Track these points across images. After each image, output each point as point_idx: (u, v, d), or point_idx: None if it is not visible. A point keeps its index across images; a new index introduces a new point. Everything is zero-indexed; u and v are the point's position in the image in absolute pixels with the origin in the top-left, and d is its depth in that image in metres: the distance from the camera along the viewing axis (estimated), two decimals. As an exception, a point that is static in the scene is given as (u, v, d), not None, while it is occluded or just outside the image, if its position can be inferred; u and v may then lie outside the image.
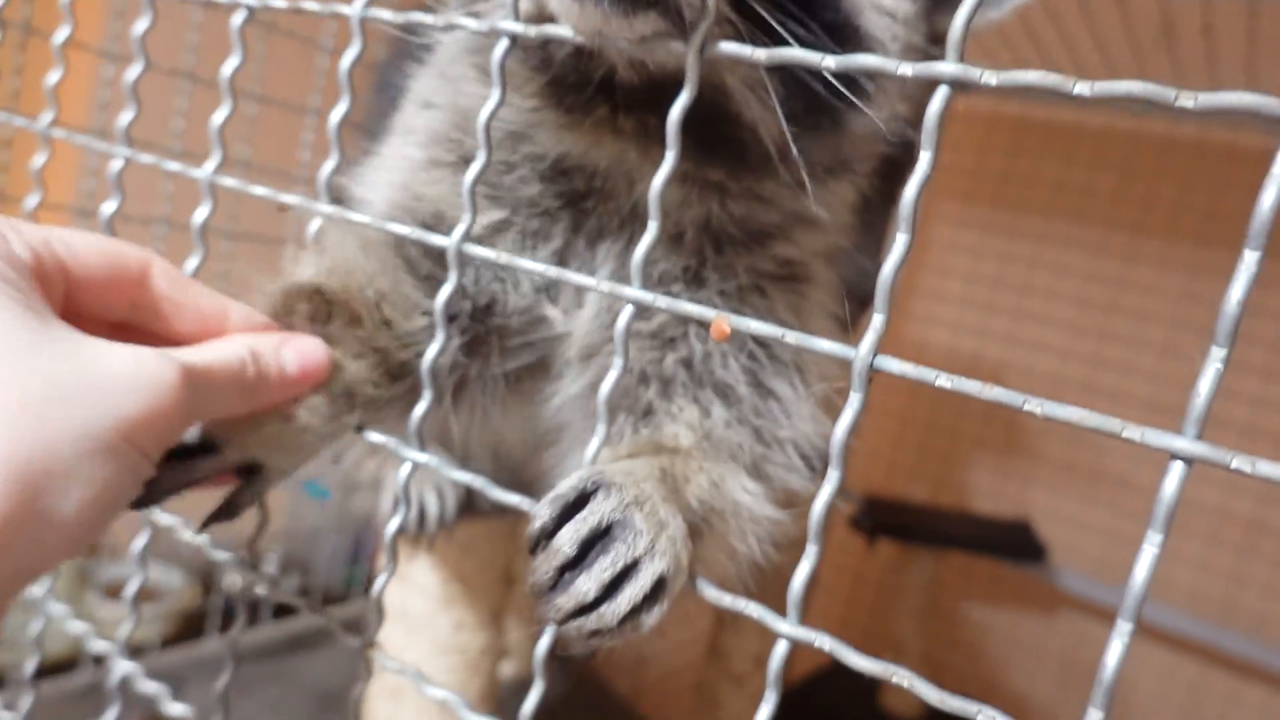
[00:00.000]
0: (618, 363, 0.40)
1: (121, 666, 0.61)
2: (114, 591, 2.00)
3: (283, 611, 1.74)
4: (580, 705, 1.75)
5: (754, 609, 0.36)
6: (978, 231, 3.05)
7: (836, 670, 2.93)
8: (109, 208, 0.63)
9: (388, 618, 1.09)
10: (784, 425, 0.65)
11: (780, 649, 0.35)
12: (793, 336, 0.36)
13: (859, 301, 2.01)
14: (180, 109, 1.29)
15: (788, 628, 0.35)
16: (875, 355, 0.34)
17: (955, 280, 3.09)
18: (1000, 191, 3.03)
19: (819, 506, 0.35)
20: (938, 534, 2.69)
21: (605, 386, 0.40)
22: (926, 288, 3.16)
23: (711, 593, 0.37)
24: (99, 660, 1.54)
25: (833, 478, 0.34)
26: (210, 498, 0.51)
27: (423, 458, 0.47)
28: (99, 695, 1.29)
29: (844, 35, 0.52)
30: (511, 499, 0.43)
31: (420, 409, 0.47)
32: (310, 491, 2.18)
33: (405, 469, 0.47)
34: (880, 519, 2.67)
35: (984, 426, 3.03)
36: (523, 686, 1.53)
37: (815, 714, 2.59)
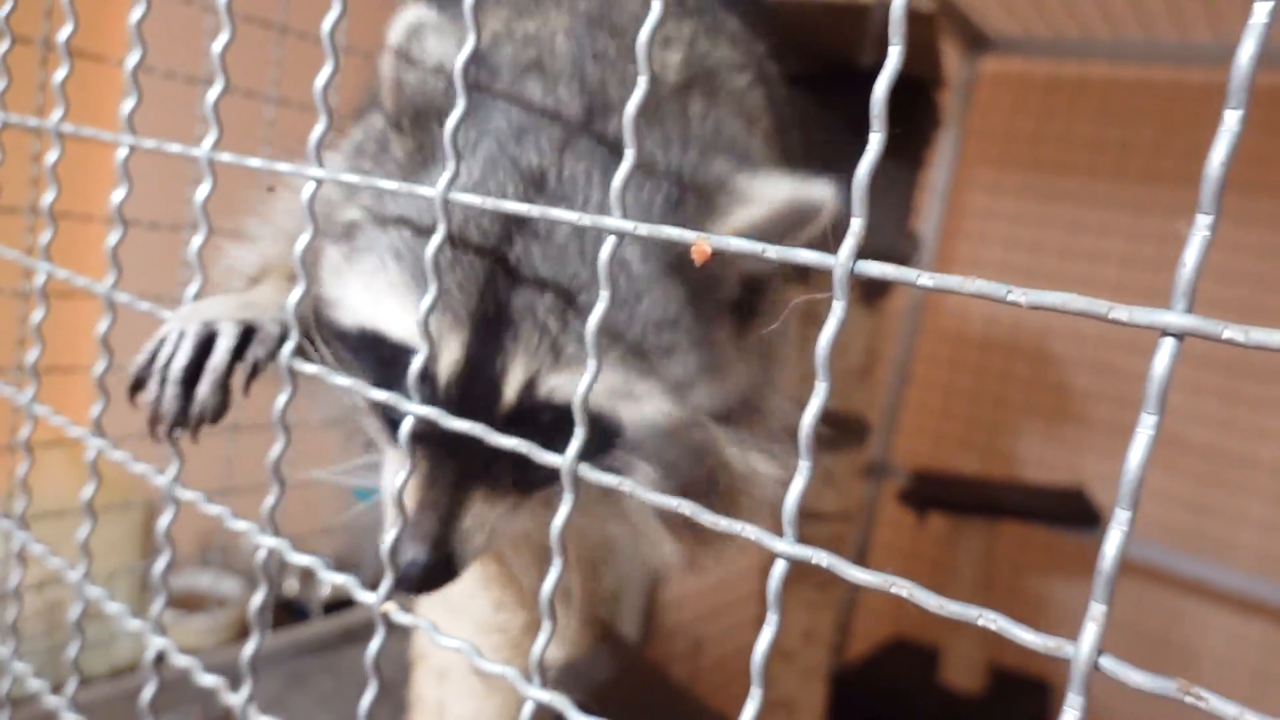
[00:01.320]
0: (604, 295, 0.40)
1: (156, 643, 0.62)
2: (175, 600, 2.05)
3: (333, 607, 1.77)
4: (638, 691, 1.75)
5: (751, 530, 0.35)
6: (1013, 197, 2.99)
7: (896, 648, 2.90)
8: (118, 196, 0.64)
9: (430, 601, 1.10)
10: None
11: (779, 568, 0.35)
12: (774, 251, 0.35)
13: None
14: (200, 115, 1.32)
15: (784, 546, 0.34)
16: (855, 261, 0.33)
17: (994, 247, 3.03)
18: (1035, 154, 2.96)
19: (807, 421, 0.34)
20: (990, 505, 2.64)
21: (593, 320, 0.40)
22: (964, 256, 3.10)
23: (708, 516, 0.36)
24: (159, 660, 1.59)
25: (820, 390, 0.33)
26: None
27: (423, 410, 0.47)
28: (161, 692, 1.33)
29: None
30: (508, 442, 0.43)
31: (418, 362, 0.47)
32: (357, 495, 2.21)
33: (406, 424, 0.47)
34: (930, 493, 2.63)
35: (1031, 393, 2.97)
36: (571, 668, 1.53)
37: (876, 691, 2.57)
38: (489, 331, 0.59)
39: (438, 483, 0.60)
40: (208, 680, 0.58)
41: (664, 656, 2.47)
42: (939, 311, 3.09)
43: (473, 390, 0.60)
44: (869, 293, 1.72)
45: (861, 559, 2.85)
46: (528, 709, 0.43)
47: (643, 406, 0.62)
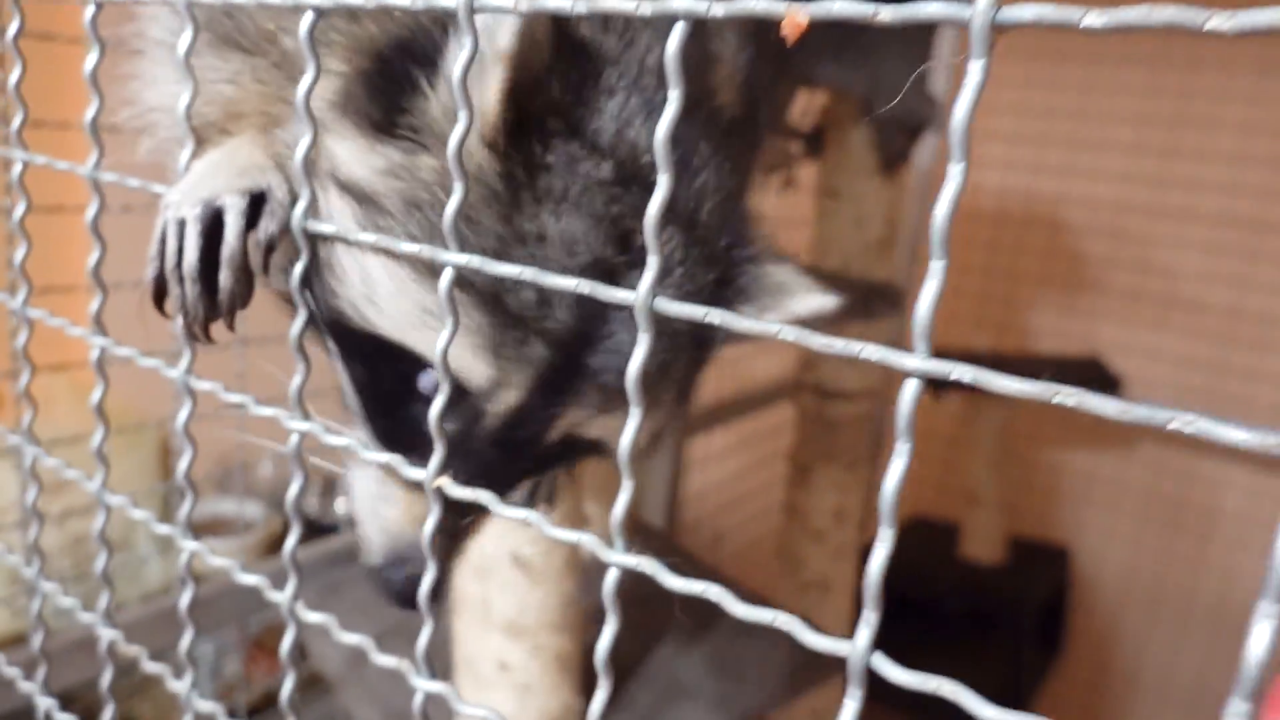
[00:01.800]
0: (673, 96, 0.34)
1: (189, 547, 0.58)
2: (199, 528, 2.04)
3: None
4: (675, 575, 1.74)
5: (873, 351, 0.30)
6: (1024, 61, 2.86)
7: (916, 526, 2.92)
8: (90, 61, 0.57)
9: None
10: None
11: (911, 388, 0.30)
12: (888, 13, 0.29)
13: (909, 133, 1.86)
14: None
15: (917, 362, 0.29)
16: (999, 7, 0.27)
17: (1004, 116, 2.92)
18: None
19: (941, 214, 0.28)
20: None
21: (664, 123, 0.34)
22: (973, 128, 2.98)
23: (837, 344, 0.31)
24: (192, 580, 1.58)
25: (956, 173, 0.28)
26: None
27: (462, 259, 0.41)
28: (197, 614, 1.32)
29: None
30: (568, 284, 0.38)
31: (453, 203, 0.41)
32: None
33: (446, 276, 0.42)
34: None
35: (1045, 264, 2.91)
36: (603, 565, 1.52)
37: (899, 568, 2.57)
38: (554, 385, 0.60)
39: (454, 507, 0.61)
40: (249, 579, 0.55)
41: (692, 545, 2.48)
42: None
43: (518, 428, 0.61)
44: (888, 161, 1.64)
45: (878, 440, 2.85)
46: (611, 576, 0.39)
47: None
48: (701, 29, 0.64)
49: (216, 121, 0.64)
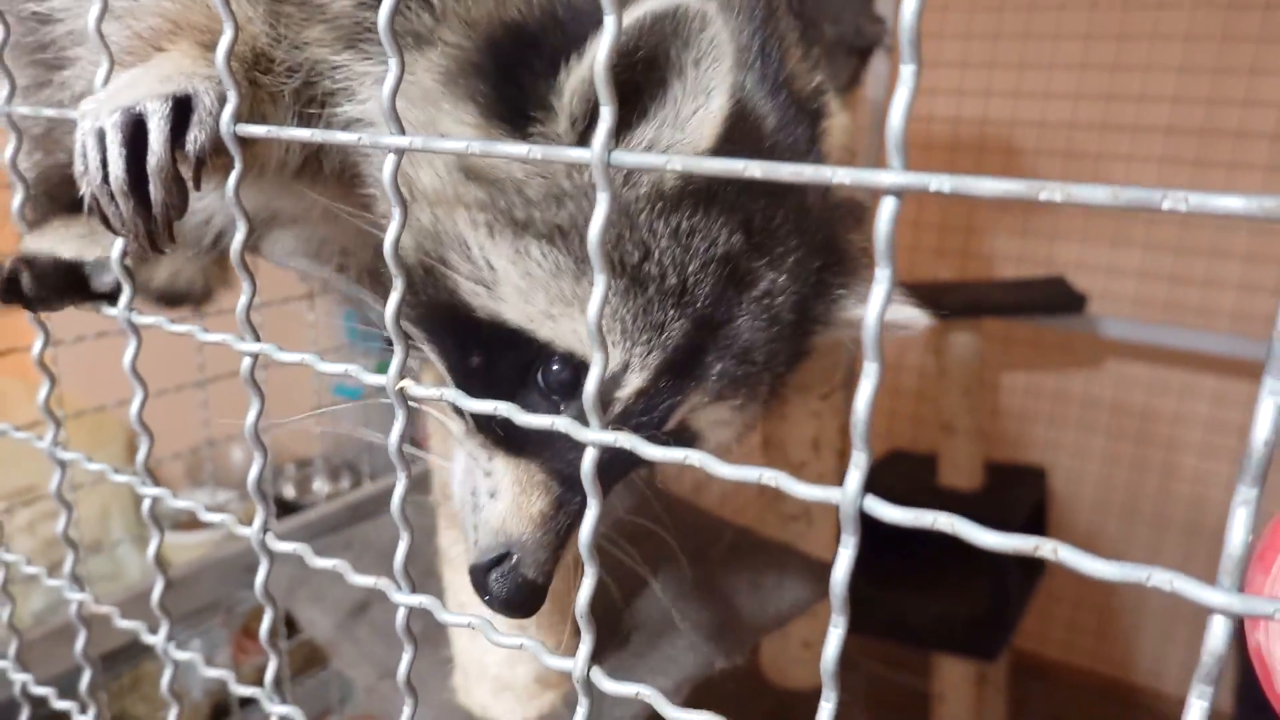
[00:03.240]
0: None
1: (151, 491, 0.56)
2: (176, 524, 2.02)
3: (334, 495, 1.73)
4: (669, 515, 1.74)
5: (846, 174, 0.28)
6: (964, 9, 2.84)
7: (894, 459, 2.94)
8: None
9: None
10: None
11: (888, 206, 0.28)
12: None
13: (859, 55, 1.83)
14: None
15: (892, 177, 0.27)
16: None
17: (952, 42, 2.90)
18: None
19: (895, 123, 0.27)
20: (975, 305, 2.62)
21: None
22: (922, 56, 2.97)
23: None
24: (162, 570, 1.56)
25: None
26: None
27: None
28: (183, 606, 1.30)
29: None
30: (518, 151, 0.35)
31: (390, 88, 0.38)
32: (337, 392, 2.14)
33: (589, 458, 0.39)
34: (913, 302, 2.60)
35: (1003, 189, 2.91)
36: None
37: (880, 495, 2.61)
38: (679, 370, 0.61)
39: (563, 510, 0.62)
40: (214, 517, 0.52)
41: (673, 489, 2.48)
42: (902, 118, 2.99)
43: (642, 414, 0.62)
44: (839, 85, 1.62)
45: (849, 380, 2.85)
46: (589, 456, 0.37)
47: (720, 434, 0.68)
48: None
49: (152, 37, 0.59)
